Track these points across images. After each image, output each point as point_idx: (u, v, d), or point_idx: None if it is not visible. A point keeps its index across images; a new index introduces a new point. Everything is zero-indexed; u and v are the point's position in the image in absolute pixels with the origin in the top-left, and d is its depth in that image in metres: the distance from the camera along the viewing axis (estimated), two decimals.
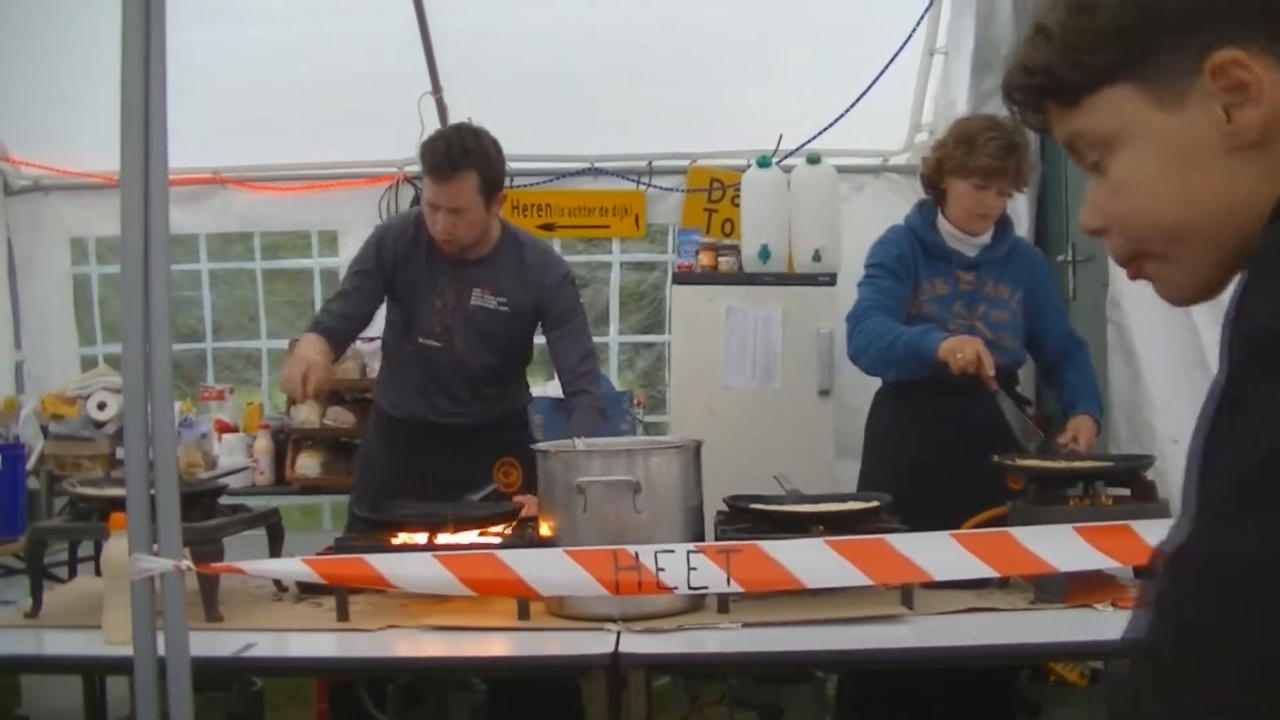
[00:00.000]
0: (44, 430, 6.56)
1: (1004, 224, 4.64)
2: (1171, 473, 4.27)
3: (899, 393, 4.65)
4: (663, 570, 3.24)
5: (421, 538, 3.78)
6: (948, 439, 4.36)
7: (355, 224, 7.07)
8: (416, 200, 6.91)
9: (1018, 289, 4.57)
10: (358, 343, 6.23)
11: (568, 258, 7.22)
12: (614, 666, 3.17)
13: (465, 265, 4.60)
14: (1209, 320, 4.22)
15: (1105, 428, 4.97)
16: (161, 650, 2.91)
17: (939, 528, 3.38)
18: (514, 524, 3.99)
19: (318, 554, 3.59)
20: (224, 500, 4.02)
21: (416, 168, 6.90)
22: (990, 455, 4.07)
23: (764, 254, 6.05)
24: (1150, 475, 3.90)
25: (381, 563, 3.30)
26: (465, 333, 4.63)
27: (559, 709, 4.28)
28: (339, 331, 4.58)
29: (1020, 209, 6.12)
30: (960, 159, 4.43)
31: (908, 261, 4.55)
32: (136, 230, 2.84)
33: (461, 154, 4.36)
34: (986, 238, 4.57)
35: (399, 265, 4.62)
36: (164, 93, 2.85)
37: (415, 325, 4.66)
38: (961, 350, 4.10)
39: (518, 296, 4.64)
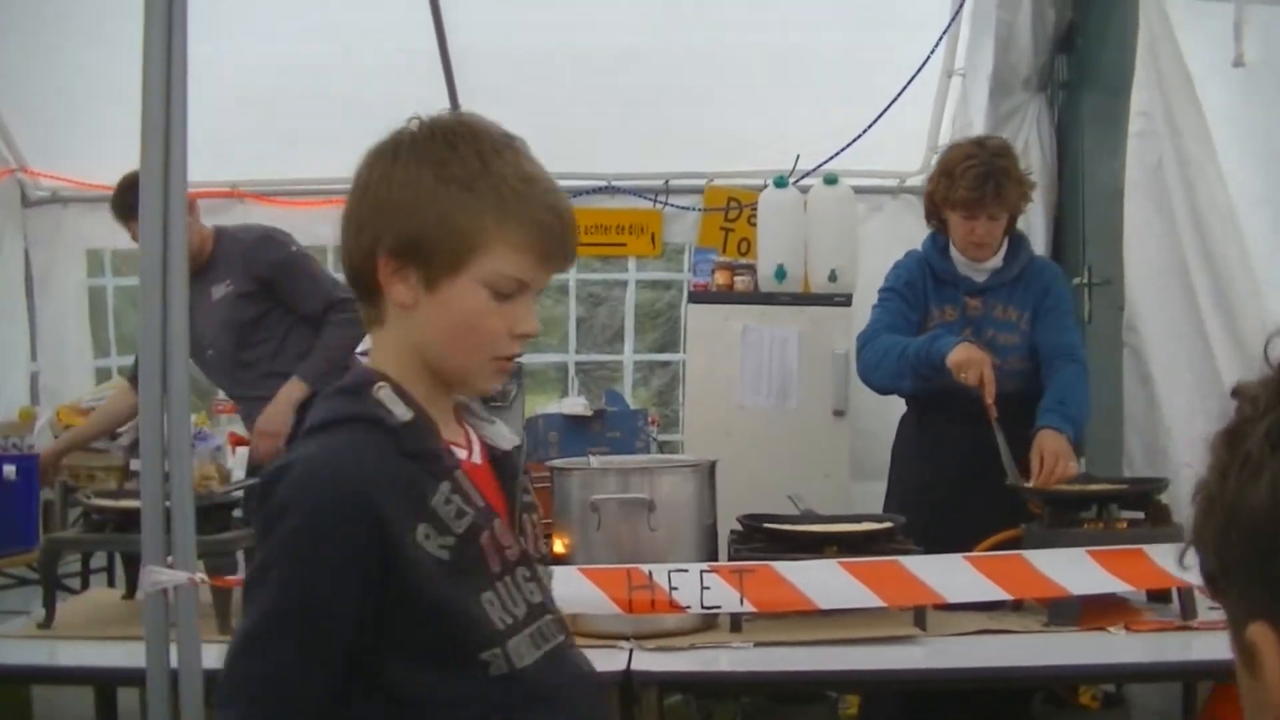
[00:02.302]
0: None
1: (1017, 244, 4.57)
2: (1185, 497, 4.25)
3: (920, 420, 4.62)
4: (676, 589, 3.24)
5: None
6: (970, 467, 4.31)
7: None
8: None
9: (1026, 309, 4.50)
10: None
11: (583, 275, 7.25)
12: (626, 684, 3.17)
13: (196, 277, 4.74)
14: (1225, 344, 4.22)
15: (1120, 451, 4.96)
16: (174, 662, 2.92)
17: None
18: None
19: None
20: (238, 513, 4.03)
21: None
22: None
23: (780, 274, 6.05)
24: (1164, 499, 3.89)
25: None
26: (217, 331, 5.06)
27: None
28: None
29: (1038, 232, 6.11)
30: (944, 191, 4.39)
31: (918, 287, 4.52)
32: (155, 243, 2.85)
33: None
34: (998, 260, 4.51)
35: None
36: (185, 106, 2.86)
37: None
38: (968, 369, 4.09)
39: (236, 275, 5.08)
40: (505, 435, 2.12)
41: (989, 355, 4.18)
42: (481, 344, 1.97)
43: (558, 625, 2.03)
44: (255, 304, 5.14)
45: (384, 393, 1.93)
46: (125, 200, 4.80)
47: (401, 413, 1.92)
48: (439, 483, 1.90)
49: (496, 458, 2.09)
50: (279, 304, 5.21)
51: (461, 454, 2.00)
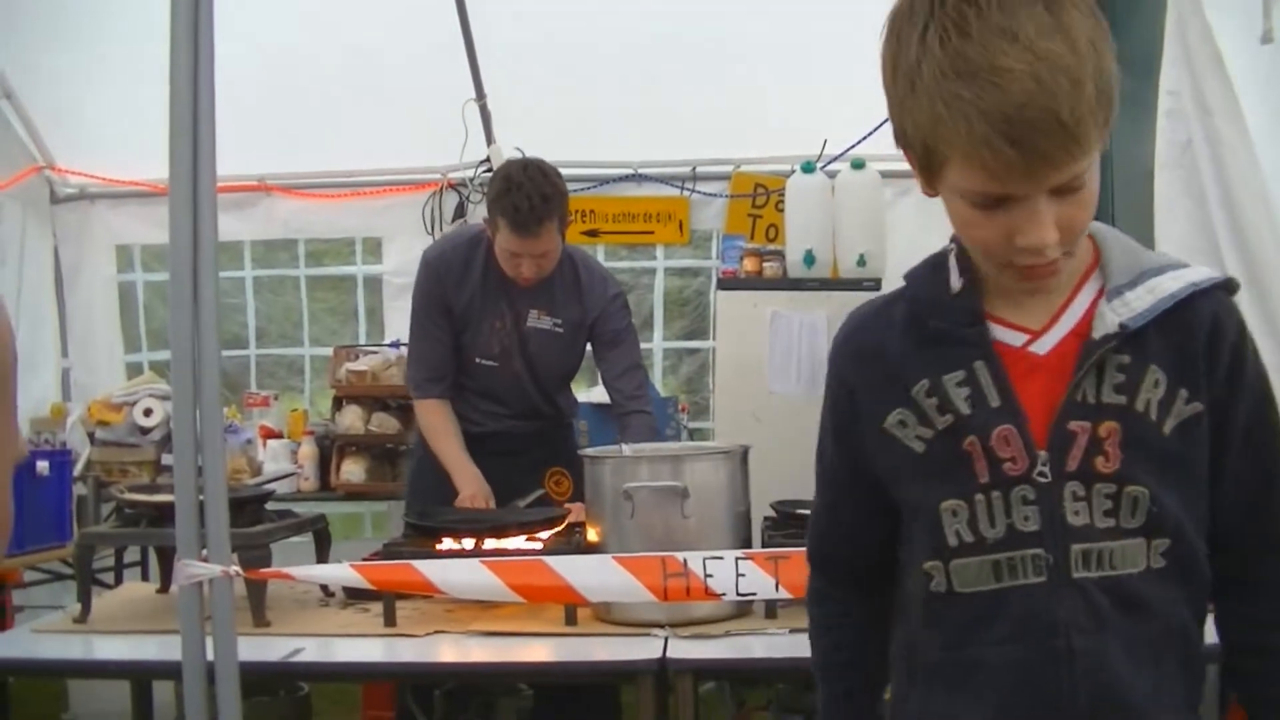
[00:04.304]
0: (90, 437, 6.60)
1: None
2: None
3: None
4: (711, 576, 3.23)
5: (469, 543, 3.79)
6: None
7: (399, 231, 7.11)
8: (460, 209, 6.93)
9: None
10: (402, 349, 6.28)
11: (611, 264, 7.22)
12: (661, 672, 3.16)
13: (522, 289, 4.56)
14: (1257, 324, 4.19)
15: None
16: (210, 655, 2.92)
17: None
18: (562, 530, 3.99)
19: (365, 559, 3.61)
20: (270, 506, 4.03)
21: (460, 174, 6.94)
22: None
23: (809, 259, 6.03)
24: None
25: (429, 568, 3.30)
26: (521, 354, 4.64)
27: (600, 713, 4.27)
28: (448, 386, 4.66)
29: None
30: None
31: None
32: (185, 237, 2.85)
33: (542, 204, 4.28)
34: None
35: (454, 291, 4.58)
36: (212, 100, 2.86)
37: (471, 346, 4.64)
38: None
39: (572, 317, 4.65)
40: (1110, 320, 1.74)
41: None
42: (982, 251, 1.71)
43: (1041, 566, 1.70)
44: (571, 348, 4.76)
45: (951, 258, 1.82)
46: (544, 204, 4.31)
47: (954, 281, 1.79)
48: (948, 369, 1.75)
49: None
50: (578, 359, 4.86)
51: (1015, 339, 1.76)
